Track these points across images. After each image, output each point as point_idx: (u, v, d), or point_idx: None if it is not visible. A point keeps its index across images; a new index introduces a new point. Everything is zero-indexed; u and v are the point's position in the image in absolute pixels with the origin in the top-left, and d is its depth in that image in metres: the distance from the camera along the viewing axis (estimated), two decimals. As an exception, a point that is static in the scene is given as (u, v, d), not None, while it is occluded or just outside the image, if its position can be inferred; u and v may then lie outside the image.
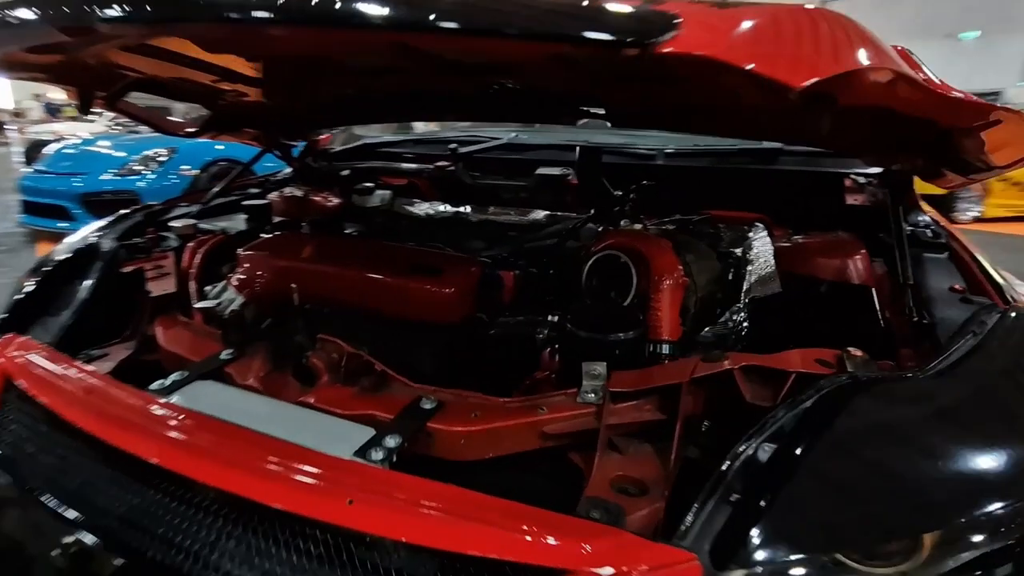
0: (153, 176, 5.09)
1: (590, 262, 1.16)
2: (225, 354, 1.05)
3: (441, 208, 1.74)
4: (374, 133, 2.51)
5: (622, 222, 1.39)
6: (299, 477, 0.69)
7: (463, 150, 1.76)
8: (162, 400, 0.87)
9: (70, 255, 1.32)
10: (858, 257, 1.11)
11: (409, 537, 0.62)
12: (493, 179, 1.68)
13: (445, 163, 1.71)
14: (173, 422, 0.80)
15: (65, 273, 1.28)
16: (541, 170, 1.58)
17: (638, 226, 1.35)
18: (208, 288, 1.25)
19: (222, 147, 5.50)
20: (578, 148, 1.56)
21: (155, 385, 0.96)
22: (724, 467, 0.64)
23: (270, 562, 0.66)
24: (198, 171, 5.21)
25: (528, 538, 0.60)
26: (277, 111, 1.59)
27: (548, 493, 0.72)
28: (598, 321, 0.99)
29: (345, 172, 1.85)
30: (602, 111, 1.24)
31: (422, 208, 1.76)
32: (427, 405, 0.92)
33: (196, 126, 1.59)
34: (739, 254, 1.31)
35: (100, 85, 1.23)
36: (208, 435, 0.78)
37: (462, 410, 0.92)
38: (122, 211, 1.53)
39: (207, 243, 1.39)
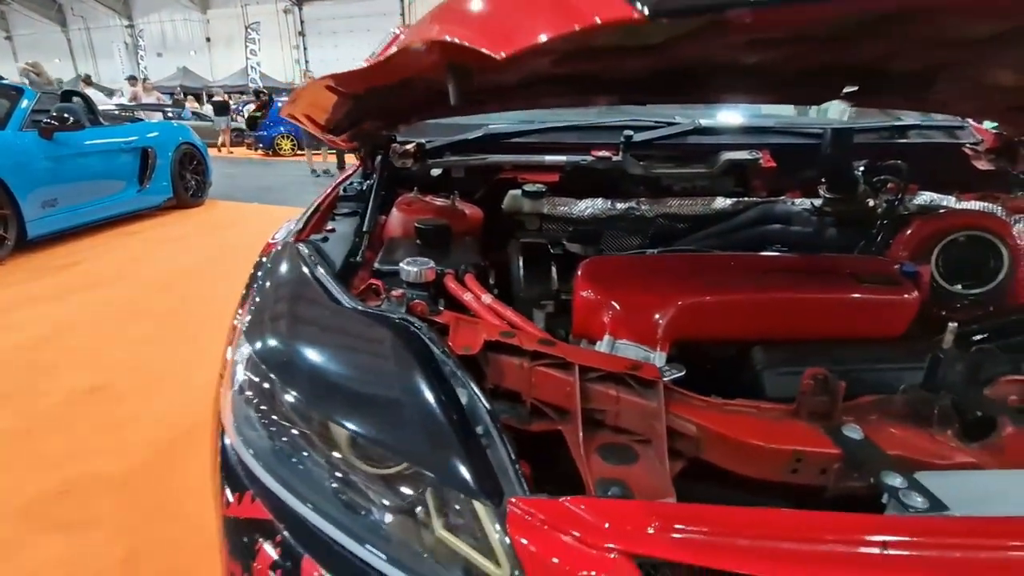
0: None
1: (940, 245, 1.16)
2: (850, 430, 0.75)
3: (605, 205, 1.47)
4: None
5: (870, 201, 1.35)
6: None
7: (638, 137, 1.54)
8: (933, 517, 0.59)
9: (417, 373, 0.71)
10: None
11: None
12: (664, 168, 1.52)
13: (607, 153, 1.51)
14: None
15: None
16: (728, 155, 1.49)
17: (976, 204, 1.36)
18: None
19: None
20: (829, 130, 1.45)
21: (922, 503, 0.61)
22: None
23: None
24: None
25: None
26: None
27: None
28: None
29: (437, 172, 1.58)
30: (855, 87, 1.18)
31: (581, 207, 1.46)
32: None
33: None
34: None
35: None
36: None
37: None
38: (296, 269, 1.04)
39: (474, 284, 1.09)
